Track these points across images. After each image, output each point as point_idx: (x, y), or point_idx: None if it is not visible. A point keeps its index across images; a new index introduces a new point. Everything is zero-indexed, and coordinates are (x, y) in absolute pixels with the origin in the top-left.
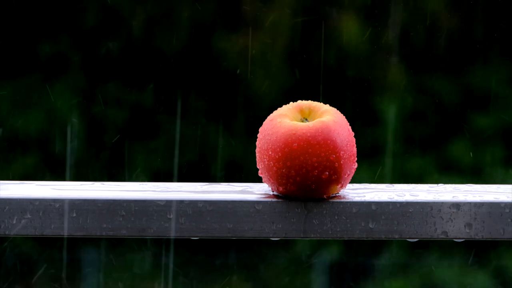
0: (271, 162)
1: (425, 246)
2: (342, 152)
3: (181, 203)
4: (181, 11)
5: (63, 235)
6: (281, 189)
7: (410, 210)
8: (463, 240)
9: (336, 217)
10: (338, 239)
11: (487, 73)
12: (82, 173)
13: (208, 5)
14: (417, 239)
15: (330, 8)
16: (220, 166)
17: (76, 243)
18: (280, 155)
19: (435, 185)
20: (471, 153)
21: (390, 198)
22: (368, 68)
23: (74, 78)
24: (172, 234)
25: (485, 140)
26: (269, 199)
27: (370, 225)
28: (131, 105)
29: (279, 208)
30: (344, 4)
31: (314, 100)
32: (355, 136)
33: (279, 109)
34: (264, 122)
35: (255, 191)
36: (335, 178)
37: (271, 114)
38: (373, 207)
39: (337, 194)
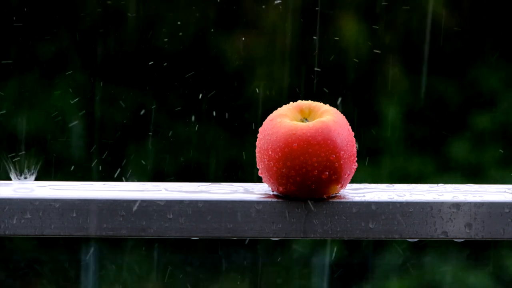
0: (271, 162)
1: (425, 246)
2: (342, 152)
3: (181, 203)
4: (181, 11)
5: (63, 235)
6: (281, 189)
7: (410, 210)
8: (463, 240)
9: (336, 217)
10: (338, 239)
11: (487, 73)
12: (82, 173)
13: (208, 5)
14: (417, 239)
15: (330, 8)
16: (220, 166)
17: (76, 243)
18: (280, 155)
19: (435, 185)
20: (471, 153)
21: (390, 198)
22: (368, 68)
23: (74, 77)
24: (172, 234)
25: (485, 140)
26: (269, 199)
27: (370, 225)
28: (131, 105)
29: (279, 208)
30: (345, 3)
31: (314, 100)
32: (355, 136)
33: (279, 109)
34: (264, 122)
35: (255, 191)
36: (335, 178)
37: (271, 114)
38: (373, 207)
39: (337, 194)
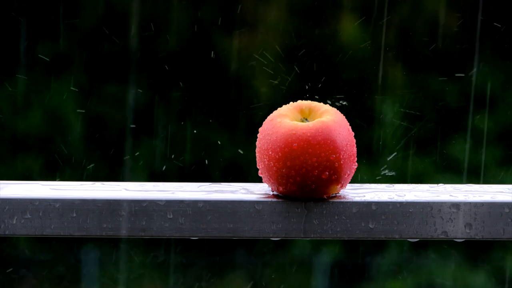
0: (271, 162)
1: (425, 246)
2: (342, 152)
3: (181, 203)
4: (181, 11)
5: (63, 235)
6: (281, 189)
7: (410, 210)
8: (463, 240)
9: (336, 217)
10: (338, 239)
11: (487, 73)
12: (82, 173)
13: (208, 5)
14: (417, 239)
15: (330, 7)
16: (220, 166)
17: (76, 243)
18: (280, 155)
19: (435, 185)
20: (471, 153)
21: (390, 198)
22: (367, 67)
23: (74, 77)
24: (172, 234)
25: (485, 140)
26: (269, 199)
27: (370, 225)
28: (131, 105)
29: (279, 208)
30: (344, 3)
31: (313, 100)
32: (355, 136)
33: (279, 109)
34: (264, 122)
35: (255, 191)
36: (335, 178)
37: (271, 114)
38: (373, 207)
39: (337, 194)
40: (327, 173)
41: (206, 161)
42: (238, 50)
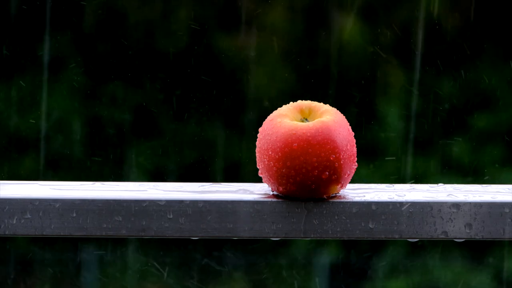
0: (271, 162)
1: (425, 246)
2: (342, 152)
3: (181, 203)
4: (181, 11)
5: (63, 235)
6: (281, 189)
7: (410, 210)
8: (463, 240)
9: (336, 217)
10: (338, 239)
11: (487, 72)
12: (82, 173)
13: (208, 5)
14: (417, 239)
15: (331, 7)
16: (220, 166)
17: (76, 243)
18: (280, 155)
19: (435, 185)
20: (471, 153)
21: (390, 198)
22: (368, 67)
23: (74, 78)
24: (172, 234)
25: (486, 140)
26: (269, 199)
27: (370, 225)
28: (131, 105)
29: (279, 208)
30: (344, 3)
31: (314, 100)
32: (355, 136)
33: (279, 109)
34: (264, 122)
35: (255, 191)
36: (335, 178)
37: (271, 114)
38: (373, 207)
39: (337, 194)
40: (327, 173)
41: (206, 161)
42: (238, 50)
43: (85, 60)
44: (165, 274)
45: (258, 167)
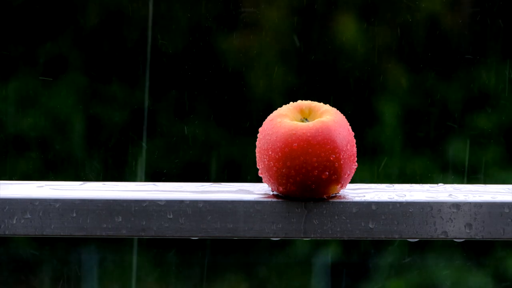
0: (271, 162)
1: (424, 246)
2: (342, 152)
3: (181, 203)
4: (181, 11)
5: (63, 235)
6: (281, 189)
7: (410, 210)
8: (463, 240)
9: (336, 217)
10: (338, 239)
11: (487, 72)
12: (82, 173)
13: (208, 5)
14: (417, 239)
15: (330, 7)
16: (220, 166)
17: (76, 243)
18: (280, 155)
19: (435, 185)
20: (471, 153)
21: (390, 198)
22: (367, 67)
23: (74, 78)
24: (172, 234)
25: (485, 140)
26: (269, 199)
27: (370, 225)
28: (131, 105)
29: (279, 208)
30: (343, 3)
31: (314, 100)
32: (355, 136)
33: (279, 109)
34: (264, 122)
35: (255, 191)
36: (335, 178)
37: (271, 114)
38: (373, 207)
39: (337, 194)
40: (327, 173)
41: (206, 161)
42: (238, 50)
43: (85, 60)
44: (165, 274)
45: (258, 167)
